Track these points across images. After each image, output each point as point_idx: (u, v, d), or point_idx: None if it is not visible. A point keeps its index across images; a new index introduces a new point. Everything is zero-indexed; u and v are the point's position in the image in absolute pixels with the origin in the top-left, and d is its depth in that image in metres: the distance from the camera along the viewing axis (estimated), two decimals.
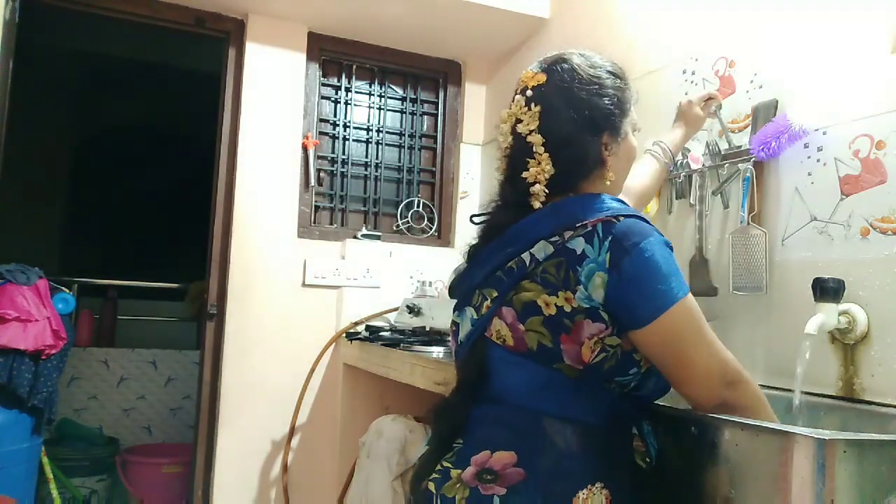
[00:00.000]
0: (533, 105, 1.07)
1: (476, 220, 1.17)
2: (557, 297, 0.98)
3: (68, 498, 2.88)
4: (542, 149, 1.06)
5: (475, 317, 1.08)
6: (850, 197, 1.42)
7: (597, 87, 1.08)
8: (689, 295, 0.98)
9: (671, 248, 1.00)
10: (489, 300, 1.06)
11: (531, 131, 1.07)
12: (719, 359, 0.98)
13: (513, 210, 1.08)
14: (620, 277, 0.96)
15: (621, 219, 0.99)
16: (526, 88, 1.10)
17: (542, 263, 1.00)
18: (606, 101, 1.08)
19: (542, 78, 1.09)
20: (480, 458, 0.98)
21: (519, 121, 1.08)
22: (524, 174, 1.06)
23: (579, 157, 1.06)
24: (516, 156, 1.09)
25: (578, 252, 0.98)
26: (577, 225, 1.00)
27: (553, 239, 1.01)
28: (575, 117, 1.06)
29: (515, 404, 1.01)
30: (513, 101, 1.11)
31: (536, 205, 1.05)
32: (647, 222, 1.01)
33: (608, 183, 1.08)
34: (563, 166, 1.06)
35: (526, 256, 1.02)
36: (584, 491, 0.94)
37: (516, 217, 1.07)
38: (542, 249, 1.01)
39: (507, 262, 1.04)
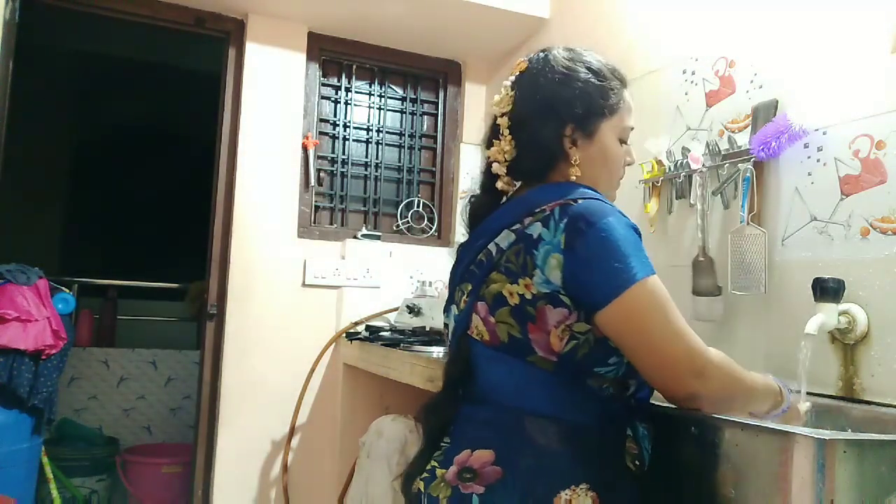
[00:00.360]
0: (510, 90, 1.12)
1: (470, 199, 1.19)
2: (518, 284, 0.98)
3: (68, 498, 2.88)
4: (507, 131, 1.09)
5: (457, 314, 1.09)
6: (850, 197, 1.42)
7: (564, 76, 1.08)
8: (654, 277, 0.95)
9: (637, 232, 0.98)
10: (466, 295, 1.07)
11: (503, 114, 1.11)
12: (686, 346, 0.94)
13: (487, 196, 1.13)
14: (575, 257, 0.94)
15: (580, 201, 0.99)
16: (512, 76, 1.14)
17: (505, 252, 1.01)
18: (569, 91, 1.07)
19: (524, 66, 1.13)
20: (462, 457, 0.98)
21: (499, 105, 1.13)
22: (486, 152, 1.12)
23: (535, 141, 1.07)
24: (490, 138, 1.13)
25: (535, 236, 0.98)
26: (537, 210, 1.01)
27: (514, 227, 1.02)
28: (535, 102, 1.08)
29: (500, 403, 1.01)
30: None
31: (499, 185, 1.10)
32: (610, 205, 1.00)
33: (574, 178, 1.07)
34: (523, 149, 1.08)
35: (492, 247, 1.04)
36: (567, 491, 0.92)
37: (489, 204, 1.11)
38: (505, 238, 1.02)
39: (477, 255, 1.06)
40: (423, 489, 1.01)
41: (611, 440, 1.00)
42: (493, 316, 1.00)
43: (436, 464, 1.02)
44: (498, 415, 1.00)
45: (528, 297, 0.97)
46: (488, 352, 1.02)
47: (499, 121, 1.11)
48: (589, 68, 1.09)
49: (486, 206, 1.12)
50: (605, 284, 0.93)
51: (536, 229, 0.98)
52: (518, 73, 1.13)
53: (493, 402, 1.02)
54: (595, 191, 1.05)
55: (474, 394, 1.04)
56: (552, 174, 1.08)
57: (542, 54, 1.12)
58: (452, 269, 1.15)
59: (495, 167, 1.10)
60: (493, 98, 1.14)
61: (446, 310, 1.15)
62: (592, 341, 0.97)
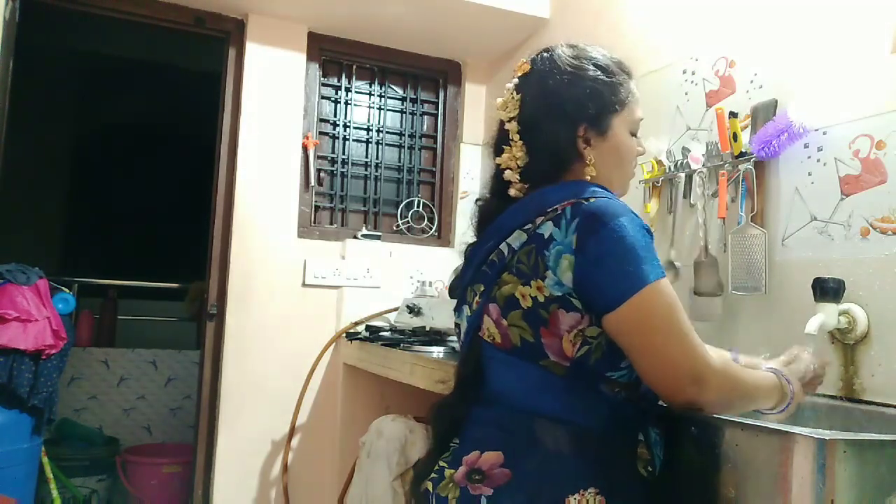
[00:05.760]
0: (515, 93, 1.09)
1: (478, 202, 1.18)
2: (530, 286, 0.96)
3: (68, 498, 2.88)
4: (518, 136, 1.07)
5: (469, 315, 1.08)
6: (850, 197, 1.42)
7: (572, 76, 1.06)
8: (665, 280, 0.94)
9: (649, 232, 0.97)
10: (478, 296, 1.05)
11: (511, 119, 1.08)
12: (689, 352, 0.91)
13: (496, 200, 1.10)
14: (587, 258, 0.93)
15: (592, 200, 0.97)
16: (515, 78, 1.12)
17: (517, 253, 0.99)
18: (579, 91, 1.05)
19: (527, 67, 1.11)
20: (471, 458, 0.97)
21: (505, 109, 1.10)
22: (497, 160, 1.09)
23: (550, 145, 1.05)
24: (498, 144, 1.11)
25: (546, 236, 0.96)
26: (548, 210, 0.99)
27: (526, 227, 1.00)
28: (545, 104, 1.06)
29: (510, 406, 1.00)
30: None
31: (512, 192, 1.07)
32: (623, 205, 0.98)
33: (588, 178, 1.05)
34: (535, 154, 1.06)
35: (504, 247, 1.02)
36: (576, 495, 0.91)
37: (499, 207, 1.08)
38: (517, 238, 1.01)
39: (489, 256, 1.04)
40: (431, 489, 1.01)
41: (621, 445, 0.99)
42: (505, 319, 0.99)
43: (444, 464, 1.01)
44: (507, 417, 1.00)
45: (541, 299, 0.95)
46: (500, 354, 1.01)
47: (507, 126, 1.08)
48: (596, 65, 1.08)
49: (495, 210, 1.09)
50: (615, 287, 0.92)
51: (548, 229, 0.97)
52: (521, 75, 1.10)
53: (503, 405, 1.01)
54: (607, 189, 1.03)
55: (485, 395, 1.04)
56: (566, 176, 1.06)
57: (546, 54, 1.10)
58: (461, 269, 1.14)
59: (508, 174, 1.07)
60: (493, 98, 1.13)
61: (457, 310, 1.14)
62: (604, 346, 0.96)
